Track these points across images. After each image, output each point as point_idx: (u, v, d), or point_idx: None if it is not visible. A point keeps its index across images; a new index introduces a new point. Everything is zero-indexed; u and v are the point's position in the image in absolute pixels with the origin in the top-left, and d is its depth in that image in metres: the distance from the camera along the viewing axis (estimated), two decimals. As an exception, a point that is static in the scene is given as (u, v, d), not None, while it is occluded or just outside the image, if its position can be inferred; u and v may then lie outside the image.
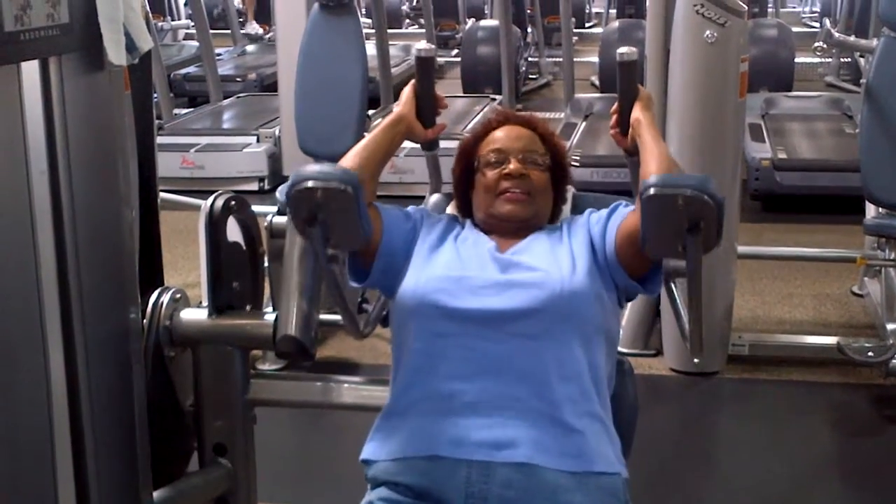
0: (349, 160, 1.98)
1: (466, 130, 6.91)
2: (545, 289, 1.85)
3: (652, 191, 1.68)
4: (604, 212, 2.01)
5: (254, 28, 11.58)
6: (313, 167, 1.84)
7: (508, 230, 2.00)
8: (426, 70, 2.13)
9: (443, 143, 2.24)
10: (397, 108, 2.11)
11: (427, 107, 2.12)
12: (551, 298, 1.84)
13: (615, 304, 1.95)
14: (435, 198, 2.31)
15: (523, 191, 1.99)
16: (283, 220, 2.34)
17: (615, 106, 2.10)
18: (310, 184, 1.78)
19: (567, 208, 2.15)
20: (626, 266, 1.91)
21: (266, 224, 2.36)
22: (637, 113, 2.04)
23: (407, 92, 2.10)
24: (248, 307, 2.27)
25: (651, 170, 1.90)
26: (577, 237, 1.97)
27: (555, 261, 1.90)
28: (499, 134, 2.06)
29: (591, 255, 1.93)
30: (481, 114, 7.84)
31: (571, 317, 1.85)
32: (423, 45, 2.14)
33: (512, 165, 1.99)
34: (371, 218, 1.91)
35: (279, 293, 2.29)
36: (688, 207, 1.65)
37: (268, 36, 11.09)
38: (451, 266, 1.92)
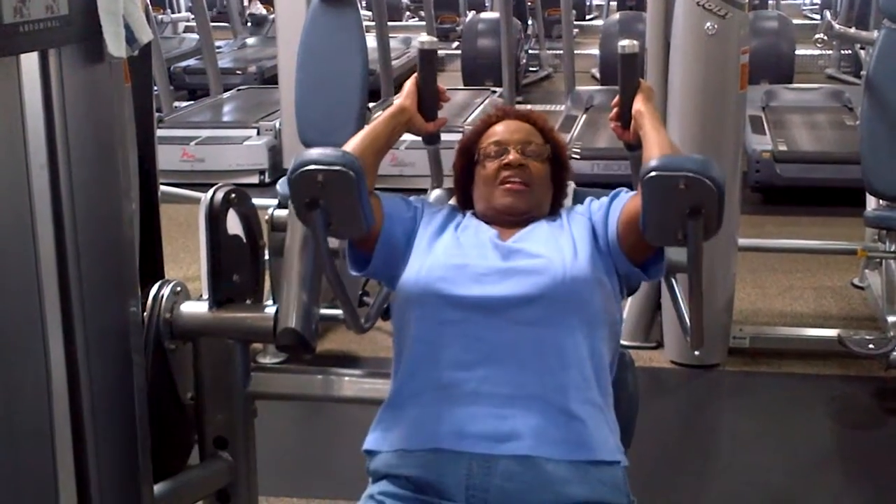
0: (350, 147, 1.97)
1: (467, 123, 6.91)
2: (547, 275, 1.85)
3: (653, 173, 1.68)
4: (605, 199, 2.02)
5: (258, 8, 11.50)
6: (315, 150, 1.83)
7: (509, 221, 2.01)
8: (428, 62, 2.12)
9: (444, 136, 2.23)
10: (399, 100, 2.11)
11: (429, 99, 2.11)
12: (553, 284, 1.84)
13: (617, 292, 1.95)
14: (436, 193, 2.30)
15: (522, 180, 2.00)
16: (284, 213, 2.33)
17: (616, 98, 2.09)
18: (312, 167, 1.78)
19: (568, 202, 2.15)
20: (627, 252, 1.91)
21: (267, 217, 2.35)
22: (638, 105, 2.03)
23: (409, 84, 2.10)
24: (248, 300, 2.27)
25: (653, 156, 1.88)
26: (577, 224, 1.98)
27: (556, 247, 1.91)
28: (498, 128, 2.08)
29: (592, 241, 1.93)
30: (482, 106, 7.83)
31: (573, 302, 1.85)
32: (424, 37, 2.14)
33: (511, 156, 2.01)
34: (372, 206, 1.91)
35: (279, 286, 2.29)
36: (689, 190, 1.64)
37: (272, 16, 11.01)
38: (452, 254, 1.92)
